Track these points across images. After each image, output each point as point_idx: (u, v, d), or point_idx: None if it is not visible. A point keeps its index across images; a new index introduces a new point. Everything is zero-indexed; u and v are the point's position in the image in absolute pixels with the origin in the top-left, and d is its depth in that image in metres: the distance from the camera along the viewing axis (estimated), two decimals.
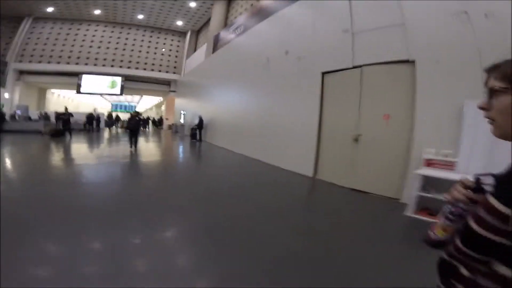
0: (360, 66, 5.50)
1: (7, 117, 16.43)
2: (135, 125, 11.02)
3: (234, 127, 11.25)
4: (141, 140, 14.14)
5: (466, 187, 0.73)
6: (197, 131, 15.27)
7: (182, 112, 18.99)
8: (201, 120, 15.19)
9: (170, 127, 29.12)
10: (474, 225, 0.65)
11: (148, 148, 12.42)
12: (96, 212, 3.63)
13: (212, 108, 14.73)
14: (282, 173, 7.13)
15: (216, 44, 18.49)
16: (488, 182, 0.68)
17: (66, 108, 14.50)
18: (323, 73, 6.46)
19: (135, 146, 10.68)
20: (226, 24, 19.93)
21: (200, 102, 17.57)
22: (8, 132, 15.49)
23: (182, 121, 18.90)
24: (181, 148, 13.11)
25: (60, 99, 31.35)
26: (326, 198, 5.15)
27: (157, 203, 4.18)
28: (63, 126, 14.10)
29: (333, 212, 4.31)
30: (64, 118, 14.02)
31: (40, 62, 24.23)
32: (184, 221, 3.54)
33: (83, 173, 6.21)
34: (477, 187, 0.70)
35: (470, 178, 0.73)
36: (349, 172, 5.62)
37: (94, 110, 19.98)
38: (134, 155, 9.49)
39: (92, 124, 18.90)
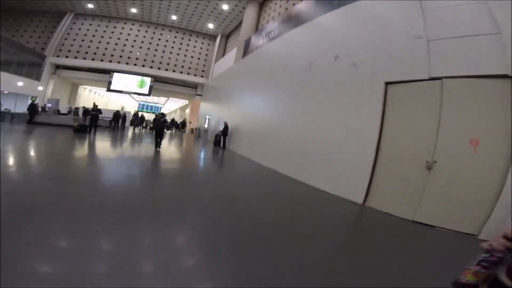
0: (439, 78, 4.48)
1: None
2: (160, 126, 11.37)
3: (263, 138, 10.35)
4: (162, 143, 13.63)
5: (508, 238, 0.74)
6: (222, 138, 14.58)
7: (207, 116, 18.44)
8: (226, 127, 14.49)
9: (192, 131, 28.89)
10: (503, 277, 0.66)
11: (167, 153, 11.77)
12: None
13: (239, 115, 13.98)
14: (323, 195, 6.13)
15: (246, 49, 17.93)
16: None
17: (95, 104, 14.29)
18: (387, 83, 5.49)
19: (159, 146, 11.01)
20: (257, 28, 19.42)
21: (226, 107, 16.92)
22: (37, 124, 15.59)
23: (206, 126, 18.33)
24: (202, 156, 12.43)
25: (91, 95, 31.99)
26: (384, 230, 4.12)
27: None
28: (90, 122, 13.86)
29: (395, 248, 3.33)
30: (93, 114, 13.79)
31: (76, 57, 24.82)
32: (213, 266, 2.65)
33: (97, 172, 5.58)
34: None
35: None
36: (412, 202, 4.57)
37: (122, 108, 19.90)
38: (155, 160, 8.87)
39: (117, 122, 18.75)
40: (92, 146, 10.59)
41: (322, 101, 7.32)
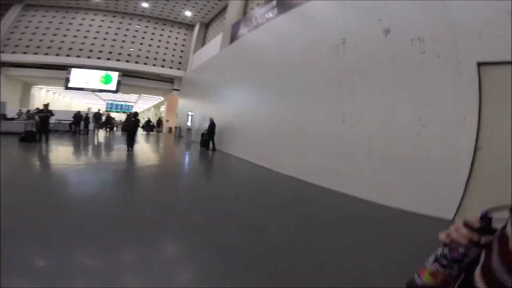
0: None
1: None
2: (132, 126, 10.43)
3: (271, 136, 7.98)
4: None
5: (470, 227, 0.56)
6: (208, 137, 12.06)
7: (189, 113, 15.68)
8: (212, 124, 11.92)
9: (170, 130, 25.93)
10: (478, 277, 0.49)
11: (142, 160, 9.15)
12: None
13: (229, 110, 11.60)
14: (393, 213, 4.10)
15: (235, 34, 15.38)
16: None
17: (45, 105, 11.18)
18: (479, 64, 3.89)
19: (132, 148, 10.12)
20: (245, 12, 16.85)
21: (212, 102, 14.46)
22: None
23: (189, 123, 15.60)
24: (188, 160, 9.87)
25: (49, 96, 27.91)
26: None
27: None
28: (39, 127, 10.78)
29: None
30: (41, 116, 10.71)
31: (25, 53, 20.93)
32: None
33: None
34: (485, 226, 0.55)
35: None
36: None
37: (89, 109, 16.63)
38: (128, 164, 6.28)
39: (79, 125, 15.57)
40: (41, 159, 7.74)
41: (370, 87, 5.18)
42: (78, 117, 15.43)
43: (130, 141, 10.12)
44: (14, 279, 1.99)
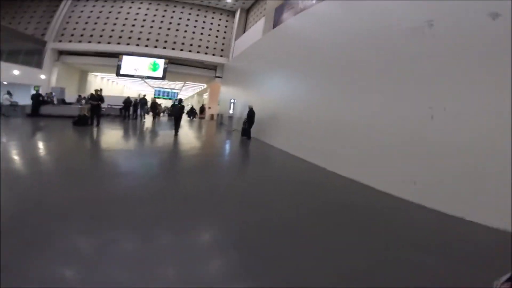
0: None
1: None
2: (178, 113, 11.36)
3: (324, 129, 7.18)
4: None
5: None
6: (248, 126, 11.60)
7: (231, 100, 15.46)
8: (251, 112, 11.43)
9: (212, 117, 26.14)
10: None
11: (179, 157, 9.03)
12: None
13: (272, 99, 11.01)
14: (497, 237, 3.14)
15: (278, 18, 14.63)
16: None
17: (96, 91, 11.66)
18: None
19: (177, 133, 10.99)
20: None
21: (252, 90, 14.04)
22: (41, 116, 13.31)
23: (231, 111, 15.40)
24: (228, 151, 9.59)
25: (103, 82, 29.70)
26: None
27: None
28: (91, 112, 11.29)
29: None
30: (93, 104, 11.18)
31: (80, 41, 22.26)
32: None
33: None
34: None
35: None
36: None
37: (139, 95, 17.25)
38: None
39: (128, 111, 16.17)
40: (90, 142, 8.00)
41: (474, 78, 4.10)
42: (128, 103, 16.02)
43: (177, 126, 11.01)
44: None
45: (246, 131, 11.76)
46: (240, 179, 5.65)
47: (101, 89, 12.04)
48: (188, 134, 12.63)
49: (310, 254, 2.50)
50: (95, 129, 10.55)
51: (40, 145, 6.93)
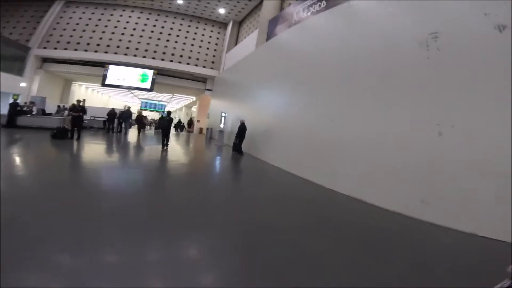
0: None
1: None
2: (166, 125, 11.07)
3: (325, 146, 6.73)
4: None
5: None
6: (237, 140, 11.21)
7: (222, 114, 14.90)
8: (242, 127, 11.08)
9: (201, 130, 25.53)
10: None
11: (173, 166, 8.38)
12: None
13: (266, 113, 10.59)
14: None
15: (272, 30, 14.45)
16: None
17: (78, 101, 10.88)
18: None
19: (166, 146, 10.81)
20: (282, 8, 15.83)
21: (244, 103, 13.62)
22: (17, 127, 12.36)
23: (222, 125, 14.81)
24: (220, 167, 8.97)
25: (87, 93, 28.69)
26: None
27: None
28: (71, 124, 10.48)
29: None
30: (74, 115, 10.39)
31: (65, 49, 21.43)
32: None
33: None
34: None
35: None
36: None
37: (124, 107, 16.33)
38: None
39: (113, 123, 15.35)
40: (67, 158, 7.21)
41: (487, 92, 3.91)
42: (112, 115, 15.22)
43: (164, 140, 10.74)
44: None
45: (237, 146, 11.30)
46: (237, 196, 5.05)
47: (83, 100, 11.27)
48: (175, 149, 11.93)
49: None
50: (75, 143, 9.73)
51: (9, 160, 6.11)
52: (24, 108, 13.81)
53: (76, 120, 10.34)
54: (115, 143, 11.77)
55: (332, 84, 6.98)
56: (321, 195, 5.68)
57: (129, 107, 15.24)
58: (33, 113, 14.17)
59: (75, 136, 10.31)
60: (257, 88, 12.23)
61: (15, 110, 12.71)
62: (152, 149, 10.86)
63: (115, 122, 15.33)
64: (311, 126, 7.48)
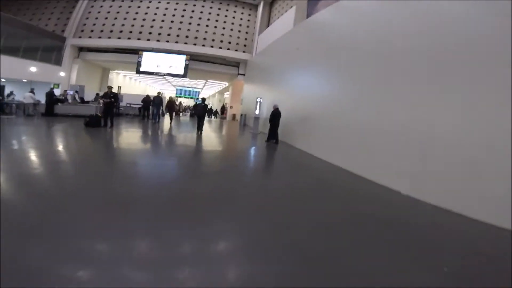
0: None
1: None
2: (201, 111, 11.81)
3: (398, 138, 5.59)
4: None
5: None
6: (273, 128, 10.38)
7: (258, 99, 13.92)
8: (276, 113, 10.27)
9: (234, 117, 24.88)
10: None
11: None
12: None
13: (307, 96, 9.56)
14: None
15: (313, 6, 12.99)
16: None
17: (109, 88, 10.56)
18: None
19: (201, 130, 11.41)
20: None
21: (280, 87, 12.64)
22: (57, 116, 12.53)
23: (257, 111, 13.87)
24: (255, 159, 8.10)
25: (126, 80, 29.19)
26: None
27: None
28: (103, 112, 10.19)
29: None
30: (106, 102, 10.06)
31: (100, 37, 21.57)
32: None
33: None
34: None
35: None
36: None
37: (159, 94, 15.66)
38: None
39: (148, 110, 15.05)
40: (95, 148, 6.77)
41: None
42: (147, 102, 14.90)
43: (200, 125, 11.43)
44: None
45: (272, 134, 10.43)
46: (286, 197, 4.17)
47: (119, 87, 10.99)
48: (210, 137, 11.34)
49: None
50: (108, 131, 9.42)
51: (31, 151, 5.74)
52: (59, 97, 13.96)
53: (108, 107, 10.00)
54: (147, 130, 11.36)
55: (385, 67, 5.84)
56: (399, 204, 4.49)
57: (159, 93, 14.52)
58: (69, 101, 14.27)
59: (108, 123, 10.01)
60: (296, 70, 11.11)
61: (51, 99, 12.79)
62: (186, 137, 10.30)
63: (150, 109, 15.01)
64: (361, 113, 6.35)
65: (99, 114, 10.35)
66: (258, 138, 12.00)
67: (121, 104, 15.64)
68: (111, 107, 10.08)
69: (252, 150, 9.32)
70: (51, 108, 12.59)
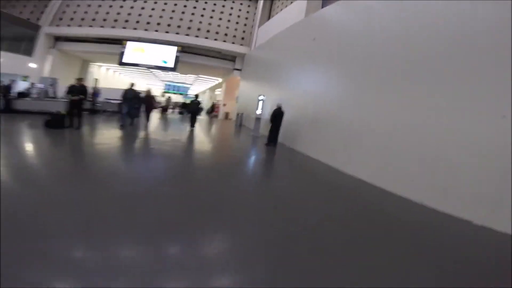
0: None
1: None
2: (195, 108, 12.22)
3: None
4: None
5: None
6: (272, 130, 9.28)
7: (260, 97, 11.89)
8: (279, 112, 9.15)
9: (227, 115, 22.86)
10: None
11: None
12: None
13: (320, 95, 8.23)
14: None
15: None
16: None
17: (79, 80, 8.36)
18: None
19: (194, 126, 11.78)
20: None
21: (286, 85, 11.00)
22: (15, 112, 10.20)
23: (259, 111, 11.85)
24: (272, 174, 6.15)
25: (109, 74, 26.75)
26: None
27: None
28: (70, 109, 7.99)
29: None
30: (73, 99, 7.86)
31: (80, 26, 19.17)
32: None
33: None
34: None
35: None
36: None
37: (132, 86, 11.67)
38: None
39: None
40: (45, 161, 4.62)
41: None
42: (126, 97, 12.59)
43: (193, 121, 11.84)
44: None
45: (272, 136, 9.26)
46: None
47: (96, 80, 8.78)
48: (203, 142, 9.30)
49: None
50: (72, 134, 7.27)
51: None
52: (26, 91, 11.67)
53: (75, 104, 7.84)
54: (124, 134, 9.04)
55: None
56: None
57: (132, 84, 10.16)
58: (34, 96, 11.97)
59: (75, 124, 7.85)
60: (306, 65, 9.52)
61: (7, 93, 10.51)
62: (174, 144, 8.21)
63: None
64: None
65: (64, 112, 8.14)
66: (260, 142, 10.05)
67: (98, 99, 13.41)
68: (79, 104, 7.91)
69: (260, 161, 7.35)
70: (8, 104, 10.29)
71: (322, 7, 10.98)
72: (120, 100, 10.29)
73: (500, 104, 3.67)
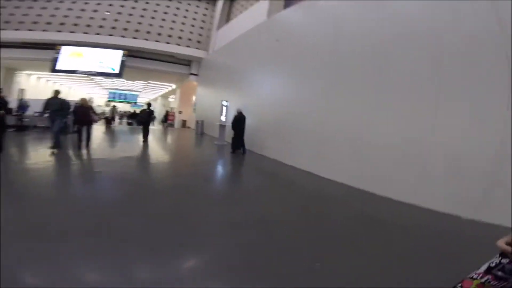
0: None
1: None
2: (147, 118, 10.84)
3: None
4: None
5: None
6: (238, 136, 9.01)
7: (224, 103, 10.82)
8: (240, 117, 8.94)
9: (184, 123, 21.38)
10: None
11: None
12: None
13: (286, 99, 8.10)
14: None
15: None
16: None
17: None
18: None
19: (146, 140, 10.36)
20: None
21: (250, 90, 10.54)
22: None
23: (223, 118, 10.78)
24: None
25: (41, 83, 23.40)
26: None
27: None
28: None
29: None
30: None
31: (4, 29, 16.17)
32: None
33: None
34: None
35: None
36: None
37: (56, 94, 8.68)
38: None
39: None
40: None
41: None
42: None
43: (145, 133, 10.45)
44: None
45: (237, 143, 8.98)
46: None
47: (21, 90, 7.12)
48: (162, 156, 7.91)
49: None
50: None
51: None
52: None
53: None
54: (54, 158, 6.99)
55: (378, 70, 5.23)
56: None
57: (57, 92, 7.58)
58: None
59: None
60: (271, 69, 9.19)
61: None
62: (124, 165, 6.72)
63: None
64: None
65: None
66: (226, 151, 9.09)
67: (26, 113, 11.17)
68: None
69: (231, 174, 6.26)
70: None
71: (284, 8, 10.45)
72: (42, 112, 7.57)
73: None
